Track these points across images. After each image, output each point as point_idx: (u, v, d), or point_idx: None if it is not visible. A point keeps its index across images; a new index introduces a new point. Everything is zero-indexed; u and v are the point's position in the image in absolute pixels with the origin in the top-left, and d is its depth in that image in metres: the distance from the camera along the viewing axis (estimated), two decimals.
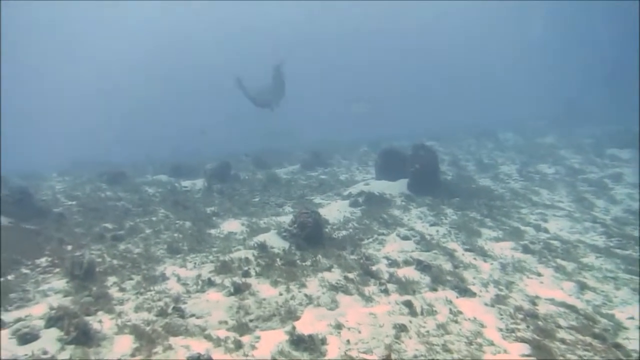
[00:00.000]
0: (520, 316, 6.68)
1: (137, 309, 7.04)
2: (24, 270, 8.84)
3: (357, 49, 72.43)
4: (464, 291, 7.67)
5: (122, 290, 7.82)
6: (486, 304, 7.18)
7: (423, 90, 60.17)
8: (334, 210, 13.29)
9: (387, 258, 9.41)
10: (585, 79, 43.33)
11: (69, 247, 10.27)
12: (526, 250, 9.93)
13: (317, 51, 72.09)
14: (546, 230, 11.55)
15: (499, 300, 7.30)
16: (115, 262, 9.25)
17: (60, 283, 8.14)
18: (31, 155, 34.41)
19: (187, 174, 19.22)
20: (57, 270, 8.82)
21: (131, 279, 8.35)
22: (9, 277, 8.41)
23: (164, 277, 8.39)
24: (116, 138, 39.16)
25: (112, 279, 8.31)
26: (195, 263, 9.17)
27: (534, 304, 7.22)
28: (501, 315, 6.78)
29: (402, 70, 68.74)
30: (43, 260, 9.37)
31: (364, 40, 73.33)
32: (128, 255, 9.66)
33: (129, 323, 6.47)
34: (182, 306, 7.08)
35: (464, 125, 33.47)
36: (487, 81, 59.46)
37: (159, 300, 7.36)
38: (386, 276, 8.36)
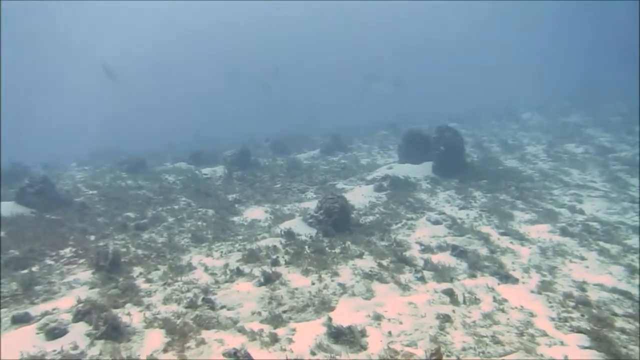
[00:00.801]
0: (572, 304, 6.27)
1: (166, 300, 6.78)
2: (49, 262, 8.67)
3: (374, 41, 71.55)
4: (505, 277, 7.27)
5: (148, 281, 7.58)
6: (532, 291, 6.77)
7: (439, 75, 58.99)
8: (358, 195, 12.92)
9: (419, 243, 9.04)
10: (600, 59, 42.17)
11: (93, 237, 10.09)
12: (564, 232, 9.47)
13: (331, 43, 71.65)
14: (582, 212, 11.05)
15: (544, 286, 6.88)
16: (139, 252, 9.03)
17: (85, 274, 7.93)
18: (49, 145, 34.51)
19: (207, 161, 18.93)
20: (82, 261, 8.64)
21: (157, 269, 8.11)
22: (34, 269, 8.24)
23: (190, 267, 8.13)
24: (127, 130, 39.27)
25: (137, 270, 8.08)
26: (221, 252, 8.89)
27: (583, 290, 6.79)
28: (550, 303, 6.37)
29: (416, 56, 67.66)
30: (67, 251, 9.20)
31: (385, 30, 72.59)
32: (152, 245, 9.44)
33: (158, 316, 6.21)
34: (212, 297, 6.81)
35: (483, 108, 32.61)
36: (500, 66, 58.07)
37: (188, 291, 7.09)
38: (421, 263, 7.99)
